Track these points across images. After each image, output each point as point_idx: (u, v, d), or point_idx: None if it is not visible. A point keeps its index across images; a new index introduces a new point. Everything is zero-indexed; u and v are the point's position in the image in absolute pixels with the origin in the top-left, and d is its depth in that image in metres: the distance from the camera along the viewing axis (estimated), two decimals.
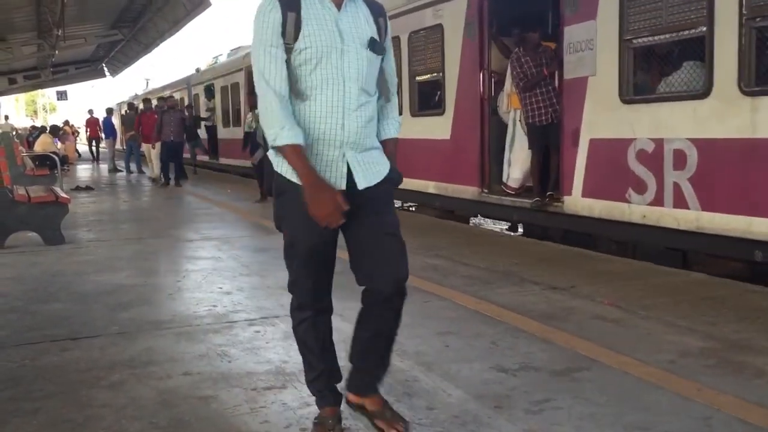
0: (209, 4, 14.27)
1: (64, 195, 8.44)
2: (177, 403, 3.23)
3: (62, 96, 34.23)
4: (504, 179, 8.33)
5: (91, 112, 27.95)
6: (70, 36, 17.62)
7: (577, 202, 7.12)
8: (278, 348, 3.99)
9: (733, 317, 4.33)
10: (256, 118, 11.45)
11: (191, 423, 3.01)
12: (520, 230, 9.44)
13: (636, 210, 6.43)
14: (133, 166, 20.49)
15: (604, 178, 6.79)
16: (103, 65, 27.69)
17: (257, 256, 6.92)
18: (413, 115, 10.08)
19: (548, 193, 7.66)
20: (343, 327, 4.36)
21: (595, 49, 6.74)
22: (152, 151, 16.61)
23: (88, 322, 4.69)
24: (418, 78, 10.11)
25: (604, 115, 6.73)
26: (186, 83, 23.57)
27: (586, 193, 7.00)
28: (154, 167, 16.83)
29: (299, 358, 3.75)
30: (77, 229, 9.05)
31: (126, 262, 6.84)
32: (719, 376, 3.37)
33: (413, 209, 11.31)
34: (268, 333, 4.29)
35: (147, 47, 21.38)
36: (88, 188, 15.63)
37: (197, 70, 22.97)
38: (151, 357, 3.92)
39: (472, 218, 10.88)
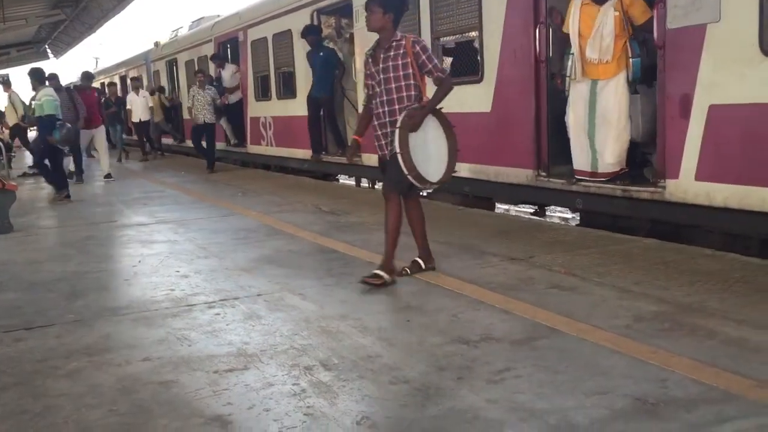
0: None
1: (11, 182, 8.19)
2: (137, 389, 3.19)
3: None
4: (588, 167, 6.36)
5: None
6: (10, 17, 17.02)
7: (688, 186, 5.52)
8: (239, 329, 3.96)
9: (685, 281, 4.45)
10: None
11: (152, 408, 2.98)
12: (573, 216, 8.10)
13: None
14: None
15: (734, 155, 5.20)
16: (46, 47, 26.88)
17: (214, 237, 6.84)
18: (437, 84, 8.84)
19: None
20: (303, 305, 4.37)
21: None
22: (97, 139, 13.46)
23: (42, 310, 4.58)
24: (443, 39, 8.47)
25: (733, 75, 5.16)
26: (144, 59, 22.69)
27: (702, 176, 5.42)
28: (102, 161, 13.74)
29: (260, 339, 3.77)
30: (26, 217, 8.81)
31: (79, 249, 6.69)
32: (673, 338, 3.46)
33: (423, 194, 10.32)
34: (228, 315, 4.25)
35: (91, 27, 20.83)
36: (35, 174, 15.20)
37: (156, 44, 22.10)
38: (108, 344, 3.86)
39: (507, 206, 9.81)
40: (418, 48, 4.72)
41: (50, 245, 7.03)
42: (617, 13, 5.82)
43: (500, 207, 9.51)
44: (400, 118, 4.66)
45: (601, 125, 6.07)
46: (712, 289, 4.24)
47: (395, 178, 4.71)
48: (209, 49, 16.03)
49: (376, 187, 11.32)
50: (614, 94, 5.99)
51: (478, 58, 7.86)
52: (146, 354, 3.65)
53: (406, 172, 4.60)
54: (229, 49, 15.70)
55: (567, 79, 6.22)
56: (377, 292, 4.60)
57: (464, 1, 7.84)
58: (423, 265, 4.99)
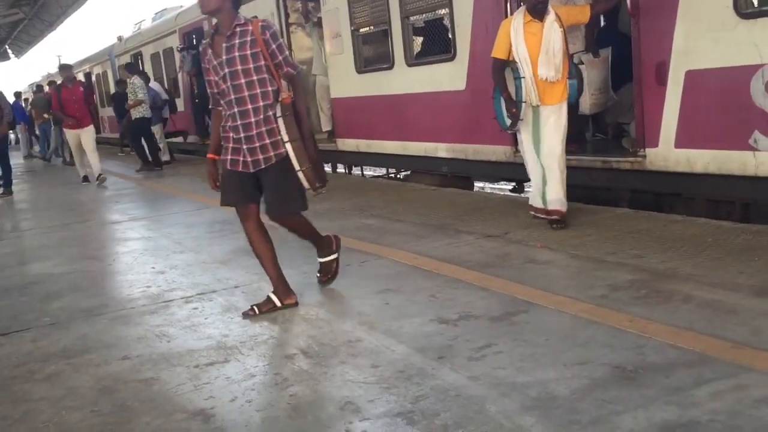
0: None
1: None
2: (118, 389, 3.16)
3: None
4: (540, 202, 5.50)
5: None
6: None
7: (668, 154, 5.48)
8: (218, 323, 3.93)
9: (658, 248, 4.49)
10: None
11: (134, 407, 2.95)
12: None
13: (766, 159, 4.85)
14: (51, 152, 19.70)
15: (713, 120, 5.16)
16: (6, 47, 26.37)
17: (189, 232, 6.78)
18: (409, 64, 8.41)
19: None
20: None
21: None
22: (84, 139, 11.86)
23: (17, 315, 4.51)
24: (413, 18, 8.41)
25: (709, 39, 5.08)
26: (108, 54, 22.33)
27: (682, 143, 5.37)
28: (88, 161, 12.09)
29: (240, 331, 3.75)
30: None
31: (52, 250, 6.60)
32: (649, 305, 3.50)
33: (400, 177, 10.14)
34: (206, 308, 4.22)
35: (51, 25, 20.47)
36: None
37: (120, 39, 21.75)
38: (86, 345, 3.81)
39: (483, 183, 9.76)
40: (268, 35, 3.81)
41: (22, 248, 6.92)
42: (561, 29, 5.25)
43: (477, 185, 9.56)
44: (283, 129, 3.81)
45: (547, 157, 5.31)
46: (685, 255, 4.30)
47: (293, 195, 4.01)
48: (174, 41, 15.82)
49: (352, 172, 11.29)
50: (556, 124, 5.26)
51: (450, 35, 7.78)
52: (125, 353, 3.61)
53: (308, 187, 3.93)
54: (194, 40, 15.52)
55: (523, 105, 5.29)
56: (355, 277, 4.59)
57: None
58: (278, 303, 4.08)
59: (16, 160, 17.08)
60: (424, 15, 8.45)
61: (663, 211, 5.73)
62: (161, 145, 14.40)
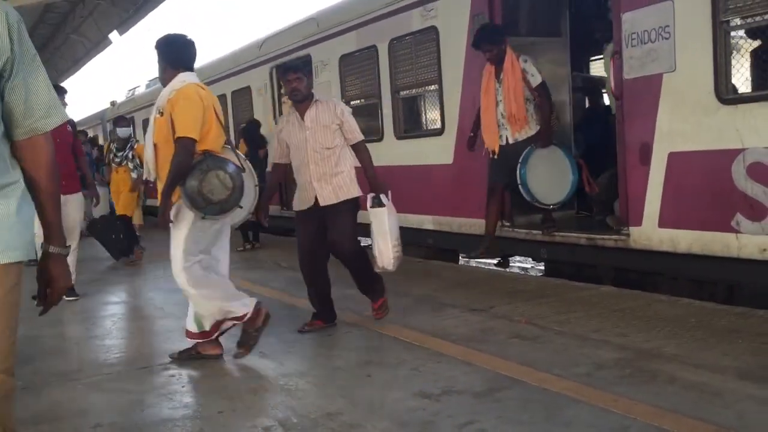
0: (110, 42, 13.94)
1: None
2: None
3: None
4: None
5: None
6: None
7: (651, 233, 5.56)
8: (195, 391, 3.84)
9: (643, 327, 4.48)
10: None
11: None
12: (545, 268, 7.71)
13: (749, 242, 4.89)
14: None
15: (696, 202, 5.23)
16: None
17: (171, 297, 6.67)
18: (398, 137, 8.56)
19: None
20: (262, 364, 4.26)
21: (672, 37, 5.29)
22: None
23: None
24: (403, 93, 8.57)
25: (691, 122, 5.22)
26: (100, 119, 22.51)
27: (665, 223, 5.45)
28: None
29: (217, 400, 3.65)
30: None
31: (25, 312, 6.43)
32: (634, 385, 3.46)
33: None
34: (184, 376, 4.13)
35: None
36: None
37: (113, 104, 21.90)
38: (58, 411, 3.70)
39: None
40: None
41: None
42: (158, 115, 4.25)
43: (462, 259, 9.56)
44: None
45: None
46: (669, 335, 4.28)
47: None
48: None
49: None
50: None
51: (438, 110, 7.94)
52: (98, 420, 3.50)
53: None
54: None
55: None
56: (338, 347, 4.53)
57: (423, 55, 7.95)
58: None
59: None
60: (414, 90, 8.61)
61: (647, 290, 5.74)
62: None
